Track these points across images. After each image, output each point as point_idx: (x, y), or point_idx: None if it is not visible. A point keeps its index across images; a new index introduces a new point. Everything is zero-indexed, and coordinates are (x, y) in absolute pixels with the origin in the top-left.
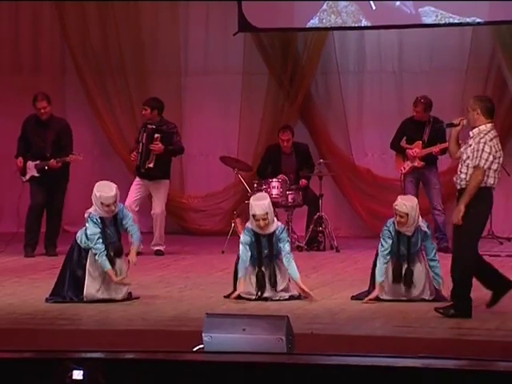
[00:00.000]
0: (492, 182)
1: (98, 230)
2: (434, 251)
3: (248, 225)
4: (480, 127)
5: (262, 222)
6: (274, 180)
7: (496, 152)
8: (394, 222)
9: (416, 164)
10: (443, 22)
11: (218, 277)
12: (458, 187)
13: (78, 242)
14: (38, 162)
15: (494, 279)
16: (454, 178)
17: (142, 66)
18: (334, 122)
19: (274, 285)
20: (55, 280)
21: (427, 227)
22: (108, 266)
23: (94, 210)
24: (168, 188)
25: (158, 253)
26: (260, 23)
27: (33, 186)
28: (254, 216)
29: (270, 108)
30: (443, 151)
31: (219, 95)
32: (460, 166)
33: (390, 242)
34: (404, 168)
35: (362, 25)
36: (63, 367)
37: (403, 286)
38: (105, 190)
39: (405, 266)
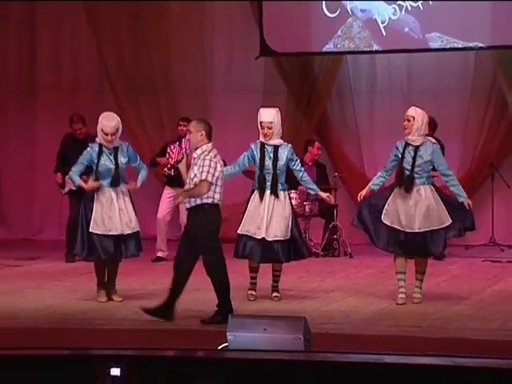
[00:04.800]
0: (218, 198)
1: (88, 156)
2: (446, 166)
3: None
4: (203, 147)
5: (266, 130)
6: (293, 191)
7: (219, 170)
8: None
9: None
10: (448, 46)
11: (241, 280)
12: (188, 206)
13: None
14: None
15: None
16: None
17: (171, 85)
18: (348, 138)
19: (274, 191)
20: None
21: (438, 143)
22: (78, 180)
23: (97, 139)
24: None
25: None
26: (280, 47)
27: (71, 198)
28: (260, 123)
29: (288, 125)
30: None
31: (242, 113)
32: (188, 185)
33: (395, 158)
34: None
35: (374, 49)
36: (102, 364)
37: (404, 192)
38: (107, 118)
39: (407, 173)
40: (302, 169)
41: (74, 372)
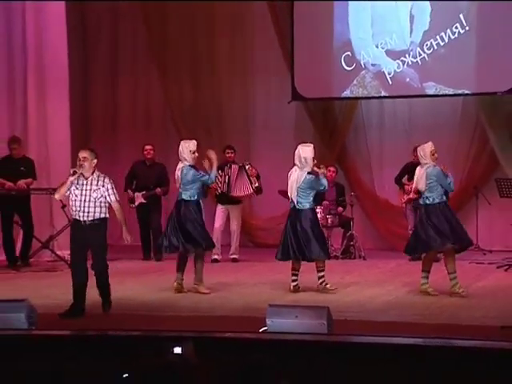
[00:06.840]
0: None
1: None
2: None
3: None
4: (96, 172)
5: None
6: (318, 207)
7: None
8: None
9: (411, 196)
10: (441, 93)
11: (278, 278)
12: (92, 218)
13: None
14: (143, 192)
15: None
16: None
17: (221, 122)
18: (362, 165)
19: None
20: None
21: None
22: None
23: (184, 164)
24: (242, 210)
25: (234, 260)
26: (308, 93)
27: (139, 211)
28: (313, 159)
29: (315, 156)
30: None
31: (277, 145)
32: (93, 203)
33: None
34: (404, 198)
35: (382, 95)
36: (167, 343)
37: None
38: (187, 142)
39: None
40: None
41: (145, 349)
